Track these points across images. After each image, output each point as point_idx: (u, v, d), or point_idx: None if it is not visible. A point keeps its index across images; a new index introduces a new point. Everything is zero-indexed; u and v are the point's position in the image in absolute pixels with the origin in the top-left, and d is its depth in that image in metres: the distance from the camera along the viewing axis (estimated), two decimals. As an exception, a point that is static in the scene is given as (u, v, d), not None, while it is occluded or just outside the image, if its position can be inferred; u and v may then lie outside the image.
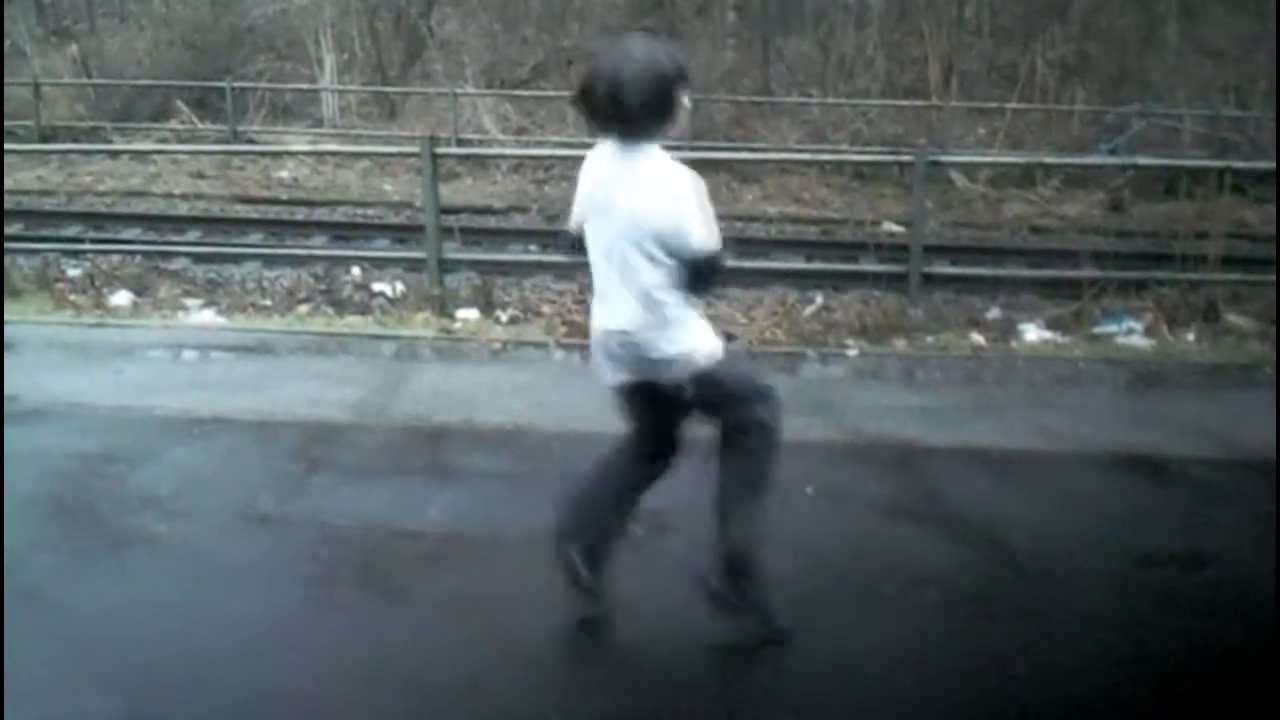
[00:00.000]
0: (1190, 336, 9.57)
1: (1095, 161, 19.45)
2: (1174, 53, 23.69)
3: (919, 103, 23.06)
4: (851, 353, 8.89)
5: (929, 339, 9.43)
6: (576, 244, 4.45)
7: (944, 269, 11.53)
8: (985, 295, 11.38)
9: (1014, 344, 9.56)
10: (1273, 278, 10.44)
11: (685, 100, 4.19)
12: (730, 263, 4.87)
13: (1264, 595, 5.06)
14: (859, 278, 11.51)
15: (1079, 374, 8.66)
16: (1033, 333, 9.85)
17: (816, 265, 13.29)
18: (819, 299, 11.35)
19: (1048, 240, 16.47)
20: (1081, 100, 23.01)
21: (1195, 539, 5.62)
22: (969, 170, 19.45)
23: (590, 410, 7.39)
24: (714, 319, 4.76)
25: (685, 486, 4.84)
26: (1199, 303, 9.95)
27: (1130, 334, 9.65)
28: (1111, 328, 9.79)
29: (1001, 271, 12.21)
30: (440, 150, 11.31)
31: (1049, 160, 18.58)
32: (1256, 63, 21.85)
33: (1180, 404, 7.97)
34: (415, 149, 11.62)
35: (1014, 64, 23.80)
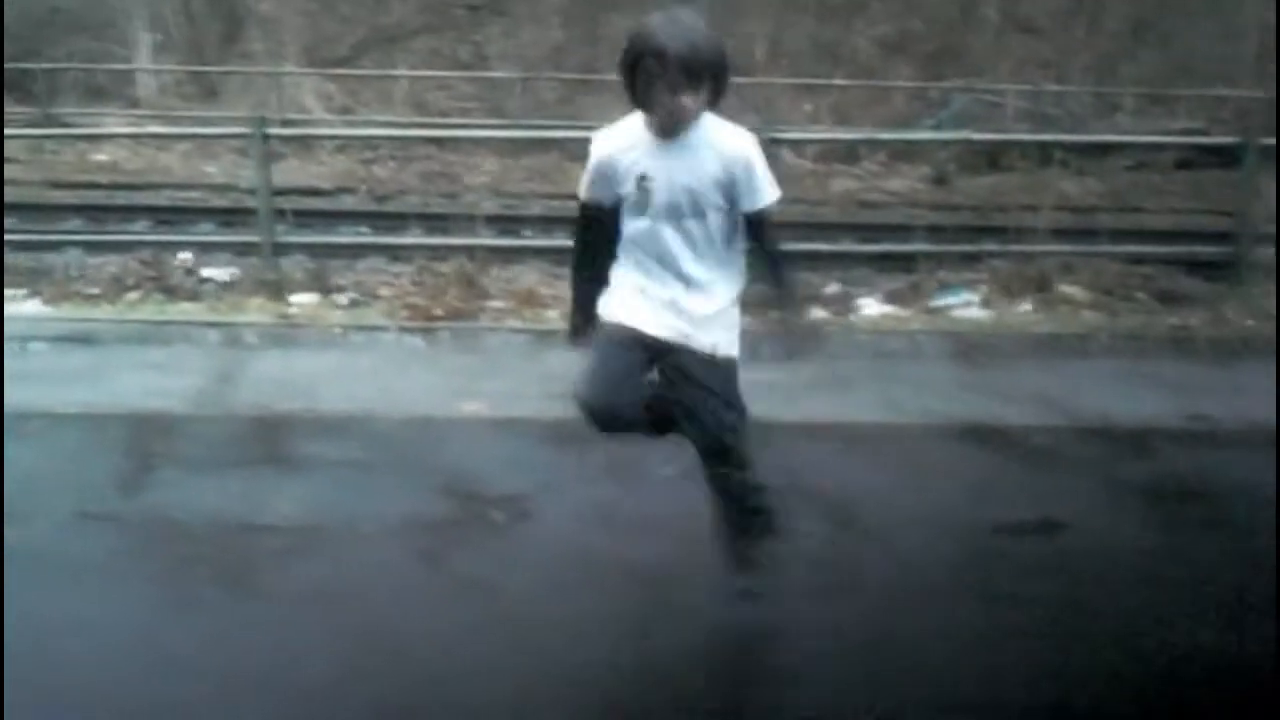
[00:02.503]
0: (1026, 307, 9.76)
1: (927, 137, 19.77)
2: (994, 29, 24.11)
3: (745, 80, 23.14)
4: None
5: (771, 315, 9.44)
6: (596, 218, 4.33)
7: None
8: (821, 271, 11.45)
9: (853, 318, 9.65)
10: (1101, 249, 10.70)
11: (662, 98, 4.03)
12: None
13: (1117, 559, 5.17)
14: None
15: (919, 347, 8.78)
16: (872, 307, 9.96)
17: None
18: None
19: (877, 215, 16.65)
20: (905, 77, 23.33)
21: (1045, 506, 5.69)
22: (796, 146, 19.60)
23: (436, 394, 7.35)
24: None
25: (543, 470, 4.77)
26: (1032, 274, 10.13)
27: (968, 306, 9.81)
28: (949, 300, 9.93)
29: (837, 247, 12.31)
30: (271, 131, 11.04)
31: (885, 136, 18.83)
32: (1074, 38, 22.36)
33: (1020, 374, 8.11)
34: (241, 129, 11.38)
35: (838, 41, 24.06)
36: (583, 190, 4.32)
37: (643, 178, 4.13)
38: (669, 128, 4.09)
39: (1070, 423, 6.94)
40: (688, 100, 4.00)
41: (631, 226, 4.23)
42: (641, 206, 4.17)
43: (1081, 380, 7.92)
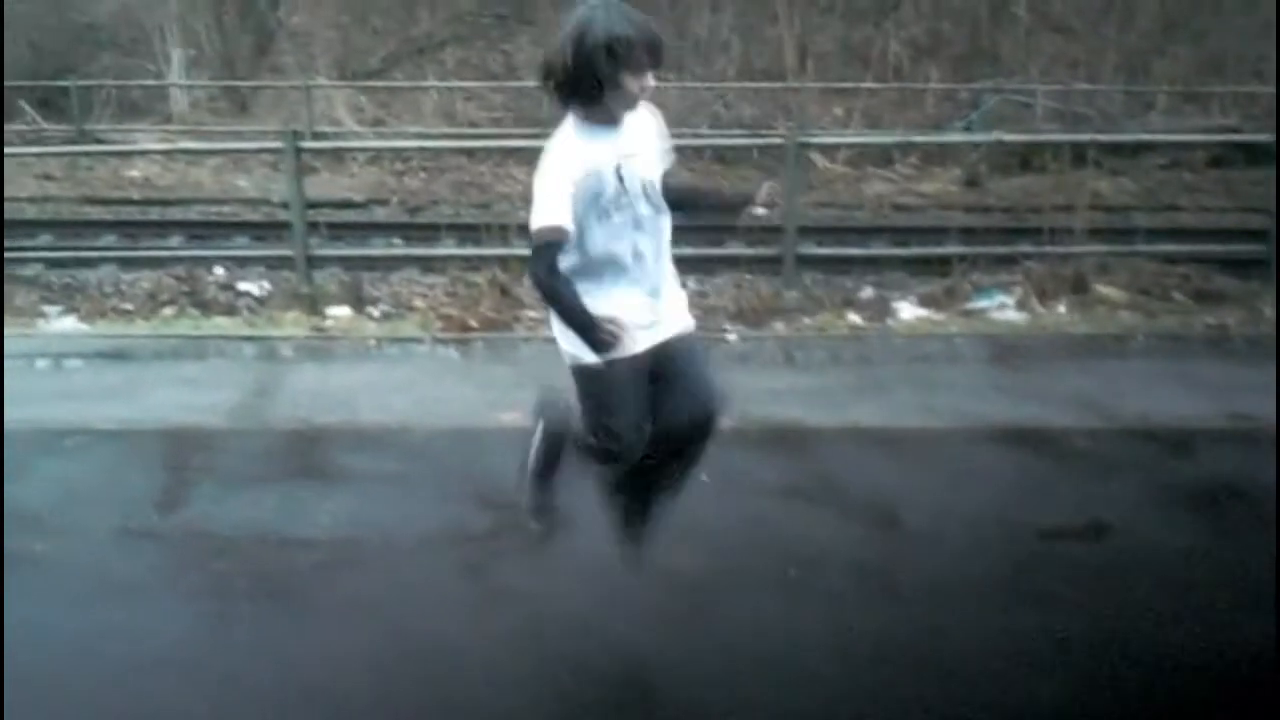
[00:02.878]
0: (1061, 309, 9.71)
1: (959, 139, 19.69)
2: (1024, 29, 24.01)
3: (775, 84, 23.14)
4: (731, 337, 8.88)
5: (806, 320, 9.45)
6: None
7: (815, 250, 11.53)
8: (855, 275, 11.43)
9: (890, 322, 9.63)
10: (1137, 248, 10.65)
11: (628, 82, 3.99)
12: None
13: (1164, 562, 5.12)
14: (729, 261, 11.50)
15: (956, 350, 8.73)
16: (907, 311, 9.91)
17: (684, 250, 13.17)
18: (690, 284, 11.30)
19: (910, 218, 16.63)
20: (935, 78, 23.25)
21: (1090, 509, 5.65)
22: (828, 150, 19.58)
23: (473, 405, 7.34)
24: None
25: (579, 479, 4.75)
26: (1067, 275, 10.07)
27: (1003, 308, 9.76)
28: (984, 303, 9.88)
29: (872, 251, 12.29)
30: (303, 144, 11.05)
31: (917, 139, 18.73)
32: (1105, 36, 22.24)
33: (1058, 376, 8.05)
34: (273, 143, 11.39)
35: (867, 44, 24.01)
36: (558, 216, 4.03)
37: (619, 171, 4.10)
38: (629, 112, 4.11)
39: (1111, 424, 6.89)
40: (652, 82, 4.03)
41: (599, 235, 4.14)
42: (617, 203, 4.12)
43: (1120, 381, 7.86)
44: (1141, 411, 7.07)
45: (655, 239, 4.23)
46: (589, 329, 4.05)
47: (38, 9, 27.64)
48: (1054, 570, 5.12)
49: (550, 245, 4.05)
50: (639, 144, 4.17)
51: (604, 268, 4.20)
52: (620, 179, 4.09)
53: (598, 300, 4.15)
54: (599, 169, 4.07)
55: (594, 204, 4.08)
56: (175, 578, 5.11)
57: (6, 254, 12.73)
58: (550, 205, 4.03)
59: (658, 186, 4.21)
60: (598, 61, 3.94)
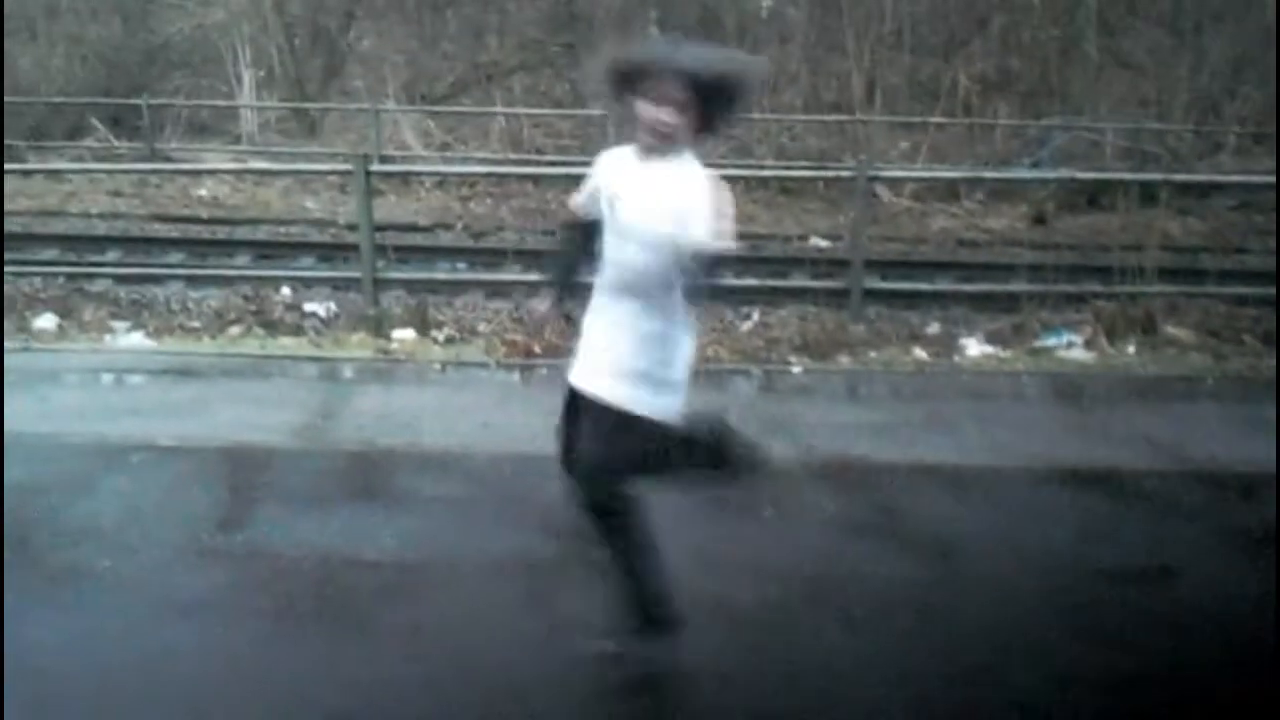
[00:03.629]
0: (1130, 349, 9.60)
1: (1027, 176, 19.58)
2: (1094, 66, 23.88)
3: (843, 117, 23.10)
4: (795, 370, 8.84)
5: (872, 354, 9.40)
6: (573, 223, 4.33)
7: (880, 284, 11.48)
8: (921, 310, 11.37)
9: (956, 359, 9.55)
10: (1208, 290, 10.54)
11: (641, 108, 4.02)
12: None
13: (1235, 609, 5.04)
14: (793, 293, 11.47)
15: (1023, 388, 8.67)
16: (974, 347, 9.84)
17: (749, 281, 13.12)
18: (755, 315, 11.27)
19: (977, 254, 16.52)
20: (1003, 114, 23.15)
21: (1160, 554, 5.59)
22: (894, 184, 19.51)
23: (536, 431, 7.31)
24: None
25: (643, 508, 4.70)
26: (1136, 315, 9.98)
27: (1070, 347, 9.67)
28: (1051, 341, 9.80)
29: (939, 286, 12.22)
30: (372, 168, 11.11)
31: (986, 174, 18.64)
32: (1175, 76, 22.08)
33: (1126, 417, 7.97)
34: (342, 166, 11.44)
35: (936, 78, 23.94)
36: (576, 200, 4.39)
37: (614, 197, 4.13)
38: (649, 141, 4.05)
39: (1180, 467, 6.80)
40: (668, 115, 3.95)
41: (603, 247, 4.22)
42: (610, 225, 4.16)
43: (1190, 424, 7.78)
44: (1210, 455, 6.98)
45: (629, 291, 4.18)
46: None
47: (111, 28, 27.99)
48: (1119, 613, 5.06)
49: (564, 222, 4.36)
50: (654, 192, 4.05)
51: (602, 274, 4.27)
52: (610, 204, 4.14)
53: (592, 310, 4.30)
54: (601, 184, 4.20)
55: (596, 206, 4.21)
56: (237, 597, 5.12)
57: (77, 268, 12.90)
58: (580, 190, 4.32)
59: (648, 240, 4.05)
60: (617, 83, 4.04)
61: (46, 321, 10.55)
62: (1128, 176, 16.28)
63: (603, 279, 4.23)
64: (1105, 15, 24.72)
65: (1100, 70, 23.99)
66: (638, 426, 4.21)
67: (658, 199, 4.03)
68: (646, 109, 3.97)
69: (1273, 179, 17.60)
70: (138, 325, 10.68)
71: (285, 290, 12.03)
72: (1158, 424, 7.74)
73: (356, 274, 10.47)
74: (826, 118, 23.39)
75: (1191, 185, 17.63)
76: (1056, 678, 4.52)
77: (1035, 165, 21.15)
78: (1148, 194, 13.97)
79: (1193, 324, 10.08)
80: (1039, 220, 18.86)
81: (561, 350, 9.03)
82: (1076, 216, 18.40)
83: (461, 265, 14.80)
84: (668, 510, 4.64)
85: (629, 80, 3.99)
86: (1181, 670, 4.59)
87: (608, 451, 4.26)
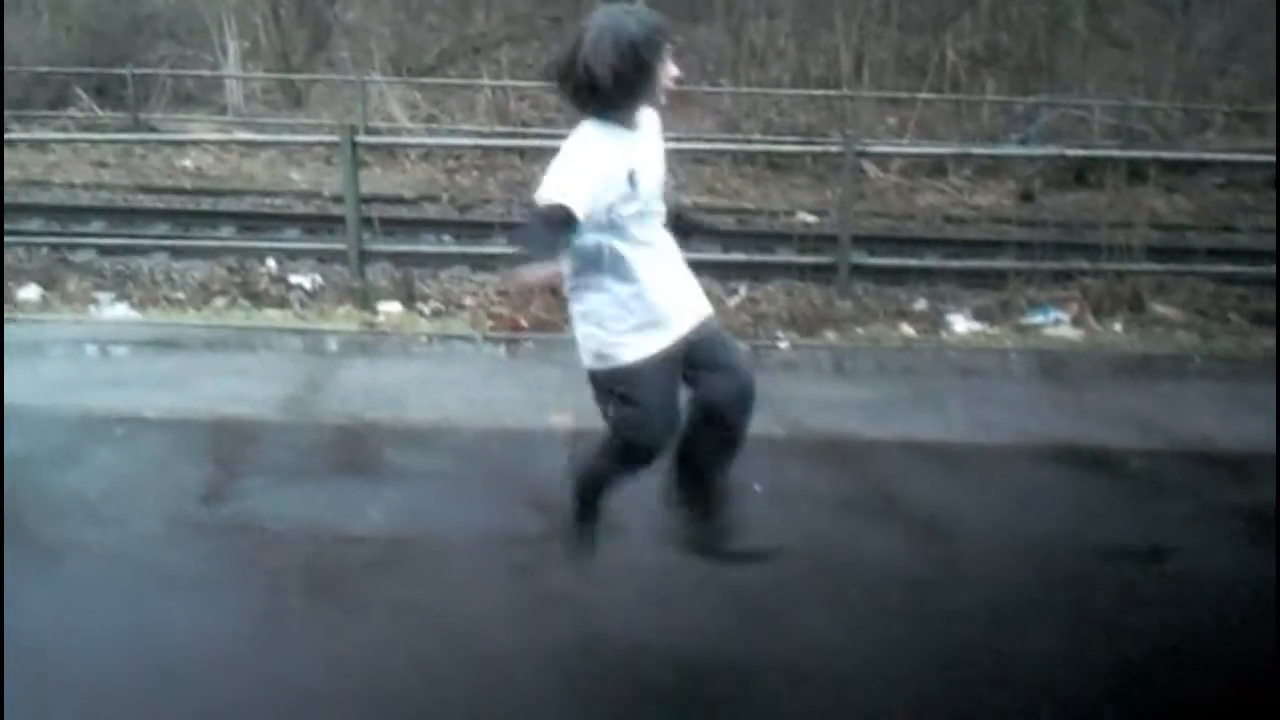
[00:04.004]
0: (1117, 327, 9.60)
1: (1016, 152, 19.58)
2: (1082, 43, 23.85)
3: (830, 92, 23.05)
4: (783, 345, 8.82)
5: (859, 330, 9.39)
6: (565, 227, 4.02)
7: (868, 260, 11.45)
8: (908, 286, 11.35)
9: (944, 335, 9.55)
10: (1195, 268, 10.54)
11: (662, 72, 4.02)
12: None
13: (1227, 588, 5.04)
14: (781, 269, 11.44)
15: (1010, 365, 8.66)
16: (961, 324, 9.83)
17: (736, 256, 13.04)
18: (742, 290, 11.23)
19: (964, 230, 16.51)
20: (991, 90, 23.11)
21: (1150, 532, 5.58)
22: (881, 159, 19.48)
23: (523, 405, 7.31)
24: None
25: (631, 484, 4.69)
26: (1124, 293, 9.97)
27: (1058, 324, 9.66)
28: (1039, 318, 9.79)
29: (926, 262, 12.21)
30: (360, 139, 11.04)
31: (973, 150, 18.61)
32: (1163, 53, 22.06)
33: (1115, 395, 7.97)
34: (327, 137, 11.37)
35: (924, 54, 23.88)
36: (567, 197, 3.88)
37: (633, 172, 4.06)
38: (658, 104, 4.15)
39: (1170, 446, 6.79)
40: (676, 70, 4.08)
41: (614, 231, 4.11)
42: (629, 202, 4.08)
43: (1178, 402, 7.78)
44: (1200, 433, 6.98)
45: (658, 232, 4.26)
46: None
47: (97, -3, 27.83)
48: (1109, 591, 5.06)
49: (548, 221, 3.90)
50: (649, 144, 4.19)
51: (623, 264, 4.17)
52: (632, 182, 4.06)
53: (639, 293, 4.18)
54: (615, 170, 4.04)
55: (607, 199, 4.04)
56: (223, 570, 5.10)
57: (61, 239, 12.83)
58: (561, 184, 3.93)
59: (663, 185, 4.25)
60: (645, 54, 3.95)
61: (30, 292, 10.48)
62: (1116, 154, 16.27)
63: (626, 250, 4.15)
64: (1094, -9, 24.72)
65: (1088, 47, 23.95)
66: None
67: (657, 152, 4.23)
68: (667, 74, 4.04)
69: (1260, 158, 17.71)
70: (122, 296, 10.62)
71: (270, 262, 11.95)
72: (1145, 402, 7.74)
73: (342, 246, 10.43)
74: (814, 92, 23.33)
75: (1179, 163, 17.64)
76: (1047, 655, 4.51)
77: (1023, 142, 21.13)
78: (1135, 171, 13.99)
79: (1180, 302, 10.07)
80: (1026, 197, 18.83)
81: (548, 324, 9.03)
82: (1064, 193, 18.36)
83: (447, 238, 14.76)
84: (653, 486, 4.63)
85: (658, 50, 3.99)
86: (1172, 648, 4.58)
87: None
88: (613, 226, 4.07)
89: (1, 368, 7.25)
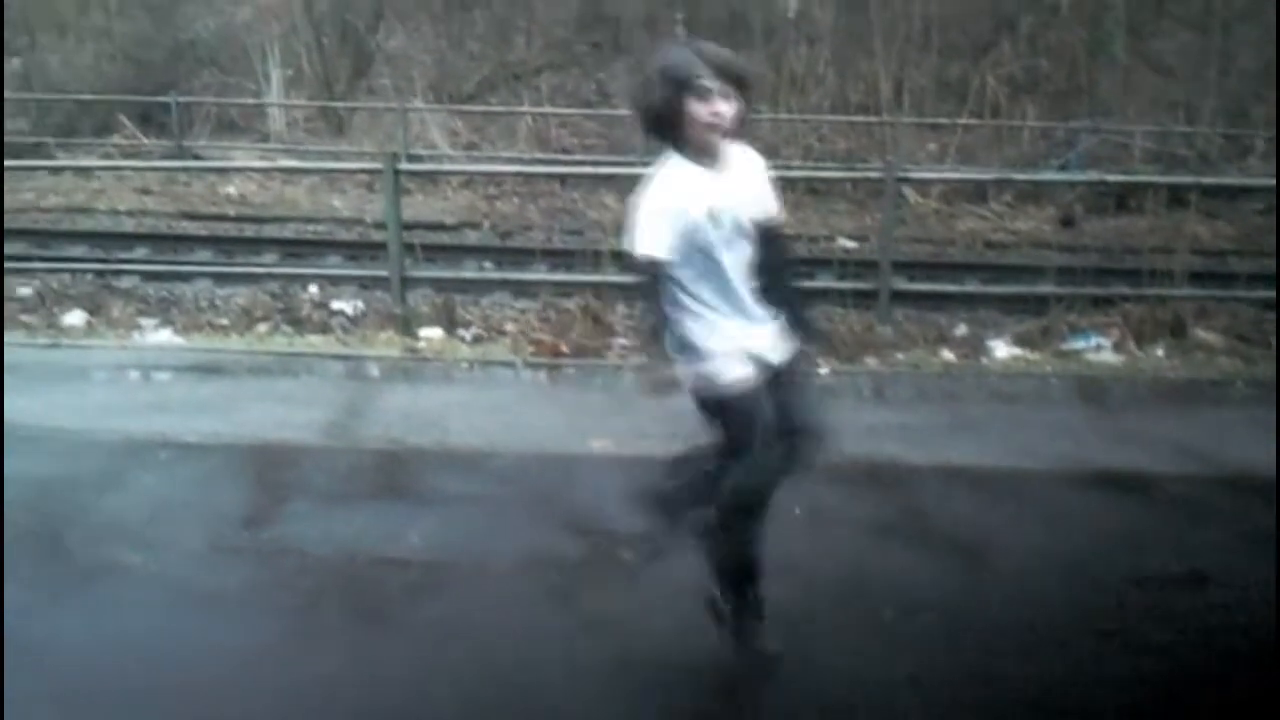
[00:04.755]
0: (1159, 352, 9.56)
1: (1056, 178, 19.53)
2: (1122, 68, 23.78)
3: (870, 119, 23.03)
4: (823, 370, 8.81)
5: (899, 356, 9.38)
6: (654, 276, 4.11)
7: (908, 285, 11.45)
8: (949, 312, 11.34)
9: (984, 361, 9.53)
10: (1237, 294, 10.49)
11: (694, 108, 3.98)
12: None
13: (1267, 615, 5.01)
14: (821, 294, 11.44)
15: (1051, 391, 8.63)
16: (1002, 349, 9.81)
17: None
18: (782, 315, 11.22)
19: (1004, 256, 16.50)
20: (1031, 116, 23.06)
21: (1191, 559, 5.54)
22: (921, 185, 19.46)
23: (564, 431, 7.34)
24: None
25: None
26: (1165, 318, 9.93)
27: (1099, 350, 9.63)
28: (1080, 344, 9.76)
29: (966, 288, 12.19)
30: (402, 167, 11.12)
31: (1014, 176, 18.59)
32: (1204, 78, 21.98)
33: (1156, 421, 7.93)
34: (370, 164, 11.44)
35: (963, 79, 23.84)
36: (655, 248, 4.04)
37: (711, 212, 4.07)
38: (712, 141, 4.06)
39: (1212, 472, 6.75)
40: (724, 106, 3.98)
41: (692, 271, 4.13)
42: (707, 243, 4.09)
43: (1220, 428, 7.74)
44: (1243, 460, 6.93)
45: (742, 278, 4.22)
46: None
47: (139, 25, 28.06)
48: (1149, 618, 5.03)
49: (648, 275, 4.07)
50: (738, 184, 4.17)
51: (701, 302, 4.18)
52: (712, 219, 4.07)
53: (706, 332, 4.16)
54: (689, 206, 4.05)
55: (689, 239, 4.06)
56: (265, 594, 5.13)
57: (105, 265, 12.96)
58: (646, 237, 4.05)
59: (752, 228, 4.21)
60: (663, 91, 3.99)
61: (75, 318, 10.60)
62: (1156, 179, 16.27)
63: (709, 292, 4.18)
64: (1134, 17, 24.63)
65: (1128, 72, 23.87)
66: None
67: (747, 191, 4.19)
68: (702, 109, 3.97)
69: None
70: (166, 322, 10.73)
71: (313, 288, 12.06)
72: (1187, 428, 7.71)
73: (384, 272, 10.50)
74: (854, 118, 23.32)
75: (1220, 188, 17.53)
76: (1084, 682, 4.50)
77: (1063, 167, 21.08)
78: (1176, 197, 13.93)
79: (1221, 328, 10.02)
80: (1067, 222, 18.79)
81: (589, 350, 9.06)
82: (1104, 219, 18.32)
83: (488, 264, 14.82)
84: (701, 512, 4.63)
85: (680, 87, 3.97)
86: (1212, 677, 4.57)
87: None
88: (699, 256, 4.11)
89: (1, 386, 7.33)
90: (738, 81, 4.00)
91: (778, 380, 4.31)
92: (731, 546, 4.46)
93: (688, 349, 4.13)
